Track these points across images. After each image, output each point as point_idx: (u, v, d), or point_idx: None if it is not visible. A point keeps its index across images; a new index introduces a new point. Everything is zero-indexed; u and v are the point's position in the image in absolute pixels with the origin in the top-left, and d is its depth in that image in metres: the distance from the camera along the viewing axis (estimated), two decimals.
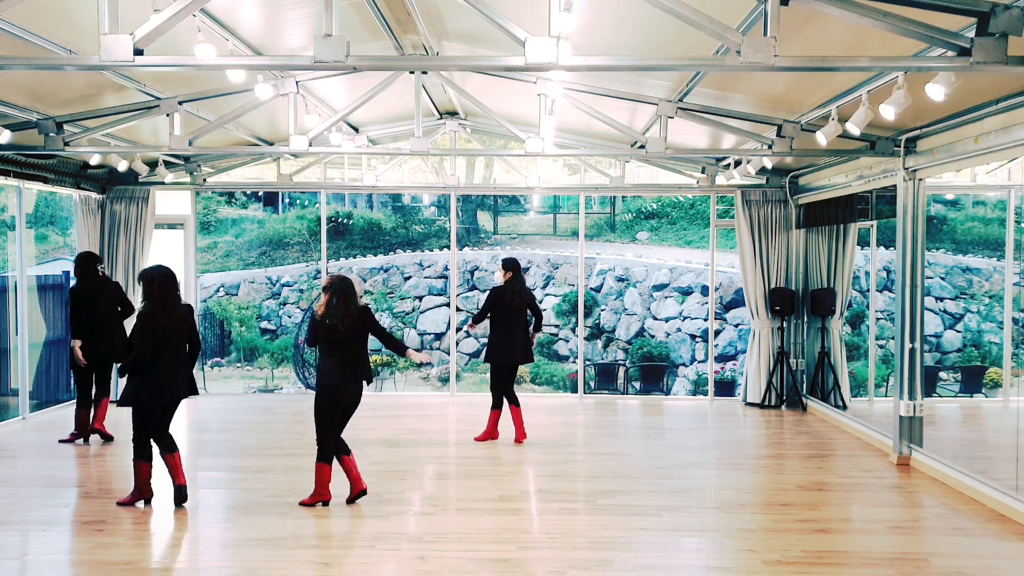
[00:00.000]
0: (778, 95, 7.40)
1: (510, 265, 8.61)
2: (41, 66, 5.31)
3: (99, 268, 8.64)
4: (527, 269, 19.17)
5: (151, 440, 6.33)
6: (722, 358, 16.38)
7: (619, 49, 7.04)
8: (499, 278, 8.59)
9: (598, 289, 18.62)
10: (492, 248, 21.21)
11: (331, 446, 6.30)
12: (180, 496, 6.33)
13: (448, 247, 18.30)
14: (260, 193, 22.78)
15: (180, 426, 9.74)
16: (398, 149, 11.94)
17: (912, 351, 7.75)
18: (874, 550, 5.50)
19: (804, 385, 10.97)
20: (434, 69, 7.85)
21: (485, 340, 9.95)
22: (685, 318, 17.37)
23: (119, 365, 6.54)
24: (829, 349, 10.52)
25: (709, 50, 6.05)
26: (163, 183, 10.92)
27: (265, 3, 6.44)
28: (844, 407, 10.30)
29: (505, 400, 8.60)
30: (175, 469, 6.35)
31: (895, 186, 7.91)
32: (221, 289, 19.58)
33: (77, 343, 8.28)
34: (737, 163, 9.88)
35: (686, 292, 17.63)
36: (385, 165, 12.43)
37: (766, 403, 10.88)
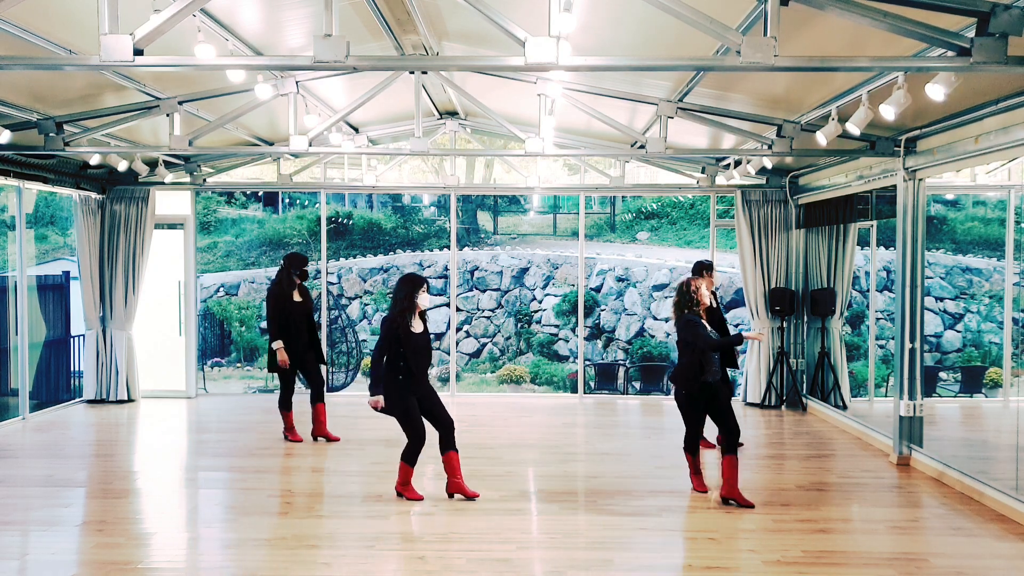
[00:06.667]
0: (778, 95, 7.40)
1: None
2: (41, 66, 5.30)
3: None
4: (527, 269, 19.19)
5: None
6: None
7: (619, 49, 7.04)
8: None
9: (598, 289, 18.62)
10: (492, 248, 21.20)
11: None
12: None
13: (448, 247, 18.30)
14: (260, 193, 22.79)
15: (181, 427, 9.76)
16: (398, 149, 11.94)
17: (912, 351, 7.74)
18: (874, 550, 5.50)
19: (804, 385, 10.96)
20: (434, 69, 7.85)
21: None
22: None
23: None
24: (829, 349, 10.52)
25: (709, 50, 6.05)
26: (163, 183, 10.91)
27: (265, 3, 6.44)
28: (844, 407, 10.29)
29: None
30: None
31: (895, 186, 7.91)
32: (221, 289, 19.59)
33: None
34: (737, 163, 9.88)
35: None
36: (385, 165, 12.44)
37: (766, 403, 10.88)
